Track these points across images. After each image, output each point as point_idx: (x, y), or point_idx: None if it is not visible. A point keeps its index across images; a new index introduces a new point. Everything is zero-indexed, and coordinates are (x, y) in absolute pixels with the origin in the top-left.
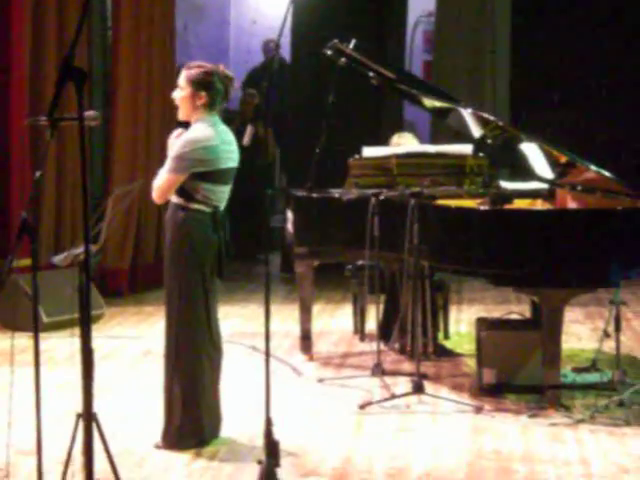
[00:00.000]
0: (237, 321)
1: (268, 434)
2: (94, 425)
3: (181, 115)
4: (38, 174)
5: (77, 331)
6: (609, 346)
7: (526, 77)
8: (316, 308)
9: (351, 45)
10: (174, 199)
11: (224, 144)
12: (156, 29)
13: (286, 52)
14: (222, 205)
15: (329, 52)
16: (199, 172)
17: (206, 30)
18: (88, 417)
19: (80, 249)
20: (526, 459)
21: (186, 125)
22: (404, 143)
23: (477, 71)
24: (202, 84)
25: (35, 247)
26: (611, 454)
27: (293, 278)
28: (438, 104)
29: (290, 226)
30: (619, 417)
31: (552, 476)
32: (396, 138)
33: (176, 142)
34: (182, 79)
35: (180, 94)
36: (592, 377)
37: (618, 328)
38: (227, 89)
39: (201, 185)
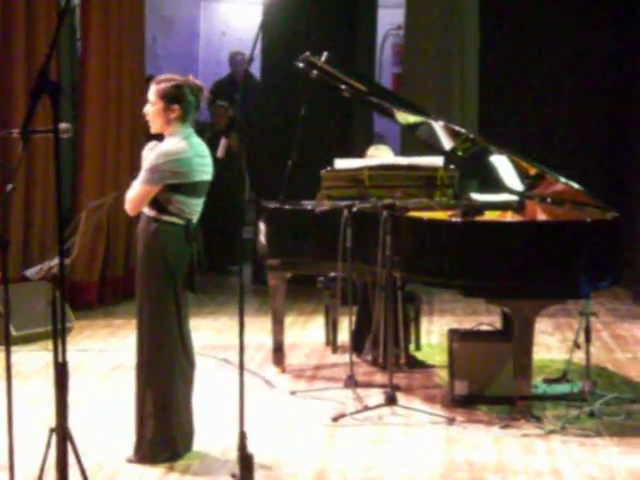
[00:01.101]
0: (208, 334)
1: (242, 448)
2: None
3: (154, 129)
4: (10, 187)
5: (49, 344)
6: (579, 357)
7: (495, 89)
8: (288, 320)
9: (323, 58)
10: (147, 211)
11: (198, 157)
12: (125, 41)
13: (256, 65)
14: (195, 218)
15: (301, 65)
16: (172, 184)
17: (175, 42)
18: (62, 432)
19: (54, 262)
20: (499, 470)
21: (160, 138)
22: (380, 155)
23: (446, 83)
24: (174, 97)
25: (6, 260)
26: (582, 465)
27: (265, 290)
28: (411, 118)
29: (262, 238)
30: (590, 428)
31: None
32: (372, 150)
33: (150, 154)
34: (152, 94)
35: (152, 109)
36: (563, 388)
37: (588, 339)
38: (198, 99)
39: (174, 197)
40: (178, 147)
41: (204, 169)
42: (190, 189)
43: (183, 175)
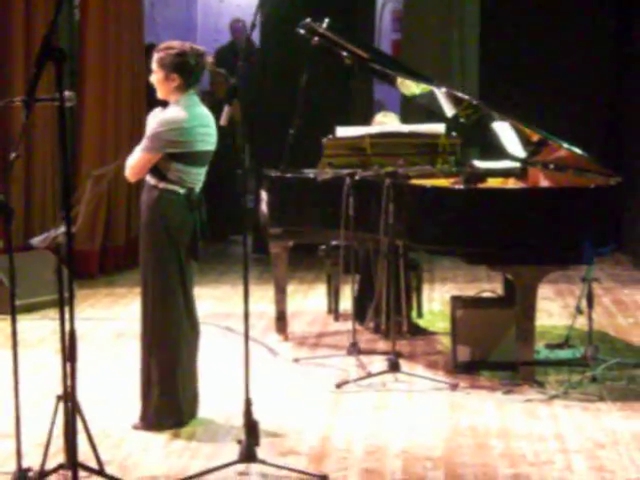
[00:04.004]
0: (210, 302)
1: (248, 414)
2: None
3: (159, 95)
4: (13, 155)
5: (50, 313)
6: (580, 322)
7: (496, 54)
8: (289, 288)
9: (324, 24)
10: (148, 179)
11: (201, 126)
12: (124, 8)
13: (256, 33)
14: (197, 187)
15: (302, 31)
16: (172, 153)
17: (173, 9)
18: (72, 399)
19: (59, 230)
20: (502, 435)
21: (165, 104)
22: (388, 122)
23: (446, 50)
24: (173, 66)
25: (10, 229)
26: (586, 429)
27: (266, 259)
28: (414, 85)
29: (264, 207)
30: (592, 393)
31: (528, 451)
32: (380, 117)
33: (152, 121)
34: (154, 63)
35: (154, 78)
36: (565, 353)
37: (591, 305)
38: (200, 66)
39: (174, 165)
40: (179, 116)
41: (206, 139)
42: (191, 158)
43: (183, 144)
